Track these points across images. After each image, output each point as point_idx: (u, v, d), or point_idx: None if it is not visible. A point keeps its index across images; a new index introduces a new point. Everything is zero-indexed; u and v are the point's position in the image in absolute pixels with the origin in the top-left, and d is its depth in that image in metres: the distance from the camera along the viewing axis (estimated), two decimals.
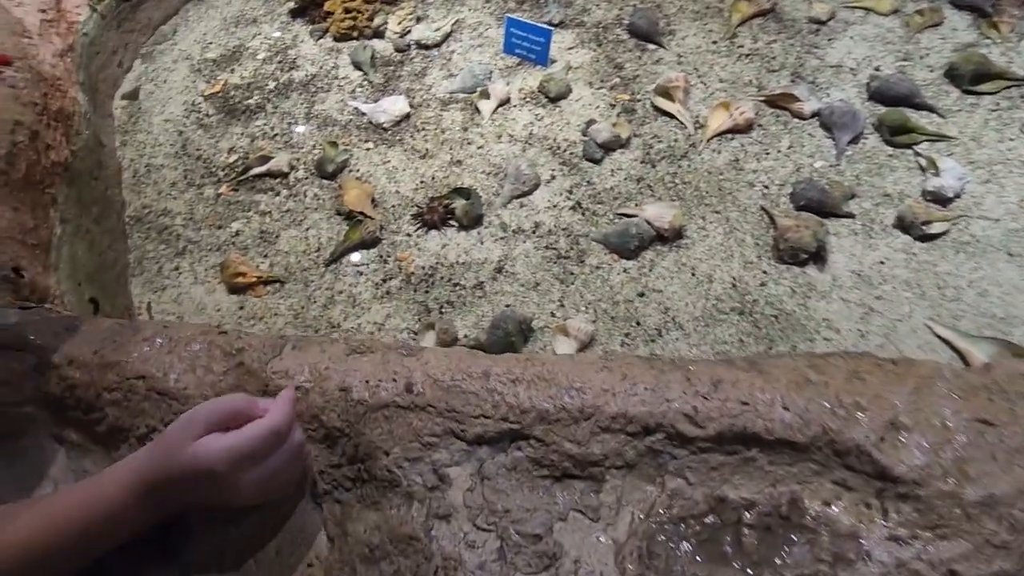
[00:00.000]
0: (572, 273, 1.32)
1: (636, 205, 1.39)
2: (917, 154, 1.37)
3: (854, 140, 1.41)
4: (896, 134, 1.39)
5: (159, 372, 0.76)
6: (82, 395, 0.76)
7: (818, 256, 1.26)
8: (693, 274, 1.29)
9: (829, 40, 1.62)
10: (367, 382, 0.72)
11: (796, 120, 1.48)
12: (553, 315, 1.28)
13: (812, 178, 1.37)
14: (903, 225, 1.28)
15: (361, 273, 1.38)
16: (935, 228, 1.26)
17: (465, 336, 1.27)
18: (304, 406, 0.73)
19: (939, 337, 1.15)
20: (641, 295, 1.28)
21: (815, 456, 0.64)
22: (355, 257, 1.40)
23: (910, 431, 0.63)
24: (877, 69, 1.51)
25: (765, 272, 1.28)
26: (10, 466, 0.79)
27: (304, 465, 0.69)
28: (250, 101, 1.72)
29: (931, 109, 1.43)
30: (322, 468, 0.72)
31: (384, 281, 1.36)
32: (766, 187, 1.39)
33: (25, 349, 0.80)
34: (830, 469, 0.63)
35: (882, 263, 1.26)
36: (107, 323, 0.86)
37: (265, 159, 1.57)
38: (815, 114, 1.46)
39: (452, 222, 1.42)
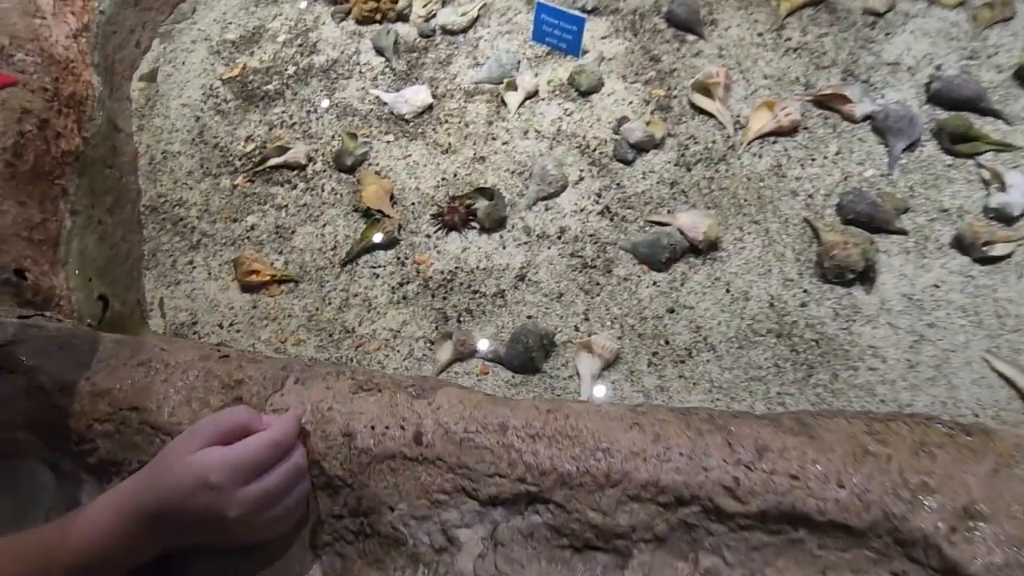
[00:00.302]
0: (598, 284, 1.24)
1: (669, 212, 1.29)
2: (980, 165, 1.25)
3: (910, 147, 1.29)
4: (957, 142, 1.27)
5: (153, 404, 0.70)
6: (73, 425, 0.71)
7: (866, 276, 1.16)
8: (728, 290, 1.20)
9: (886, 34, 1.48)
10: (373, 428, 0.66)
11: (846, 123, 1.36)
12: (577, 329, 1.20)
13: (862, 189, 1.25)
14: (961, 245, 1.16)
15: (378, 275, 1.31)
16: (997, 250, 1.14)
17: (483, 347, 1.20)
18: (305, 447, 0.67)
19: (997, 372, 1.04)
20: (671, 311, 1.19)
21: (873, 544, 0.55)
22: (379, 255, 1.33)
23: (987, 521, 0.54)
24: (938, 68, 1.37)
25: (806, 291, 1.18)
26: (2, 493, 0.75)
27: (305, 494, 0.64)
28: (269, 87, 1.64)
29: (998, 115, 1.30)
30: (323, 517, 0.66)
31: (401, 285, 1.29)
32: (810, 197, 1.28)
33: (16, 371, 0.75)
34: (890, 559, 0.55)
35: (936, 286, 1.15)
36: (104, 340, 0.80)
37: (283, 150, 1.50)
38: (867, 117, 1.34)
39: (474, 224, 1.34)
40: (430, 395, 0.67)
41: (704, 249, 1.23)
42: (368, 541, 0.63)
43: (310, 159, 1.51)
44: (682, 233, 1.25)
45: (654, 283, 1.22)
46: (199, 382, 0.71)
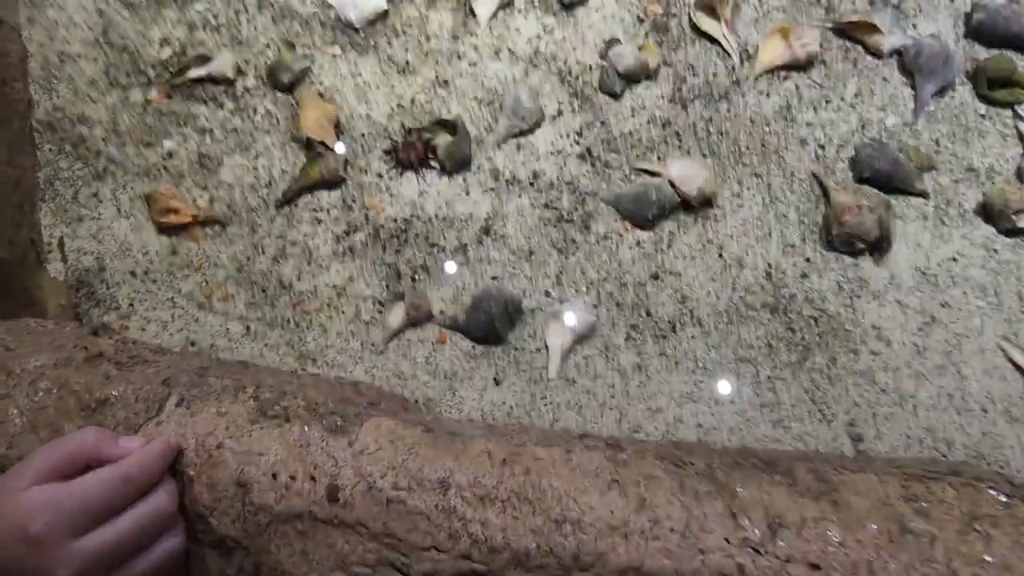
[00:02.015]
0: (574, 242, 1.07)
1: (659, 160, 1.11)
2: (1019, 117, 1.08)
3: (940, 92, 1.10)
4: (996, 87, 1.09)
5: None
6: None
7: (878, 246, 1.01)
8: (720, 255, 1.04)
9: None
10: (275, 477, 0.50)
11: (870, 58, 1.16)
12: (548, 294, 1.04)
13: (882, 140, 1.08)
14: (988, 212, 1.01)
15: (320, 221, 1.12)
16: None
17: (441, 313, 1.04)
18: (188, 499, 0.51)
19: (1012, 363, 0.93)
20: (655, 277, 1.04)
21: None
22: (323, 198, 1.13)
23: None
24: None
25: (808, 260, 1.03)
26: None
27: (174, 551, 0.49)
28: None
29: None
30: None
31: (347, 233, 1.10)
32: (821, 147, 1.10)
33: None
34: None
35: (954, 260, 1.01)
36: None
37: (205, 59, 1.24)
38: (895, 52, 1.14)
39: (433, 163, 1.13)
40: (353, 429, 0.52)
41: (697, 206, 1.06)
42: None
43: (239, 72, 1.25)
44: (673, 186, 1.07)
45: (638, 243, 1.06)
46: (50, 400, 0.54)
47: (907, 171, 1.03)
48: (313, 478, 0.48)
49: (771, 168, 1.09)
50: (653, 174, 1.08)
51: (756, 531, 0.45)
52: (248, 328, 1.04)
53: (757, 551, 0.44)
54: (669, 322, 1.00)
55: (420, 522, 0.46)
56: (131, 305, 1.07)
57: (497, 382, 0.98)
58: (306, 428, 0.51)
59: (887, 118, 1.11)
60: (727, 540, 0.44)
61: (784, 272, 1.02)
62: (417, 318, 1.01)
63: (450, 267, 1.05)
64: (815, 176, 1.06)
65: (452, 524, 0.46)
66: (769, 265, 1.02)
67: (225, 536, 0.49)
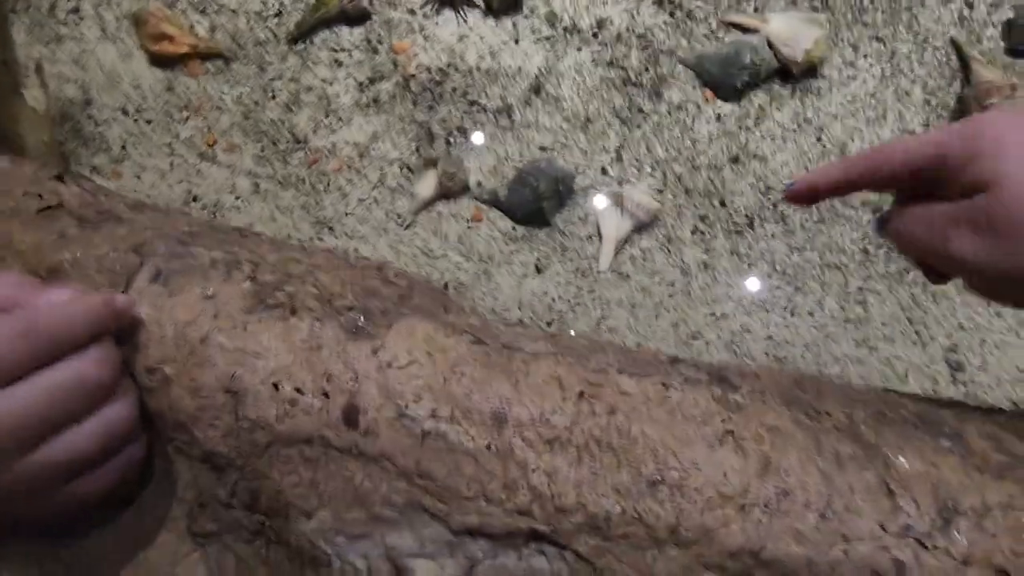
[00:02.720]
0: (641, 111, 0.88)
1: (757, 12, 0.88)
2: None
3: None
4: None
5: None
6: None
7: None
8: (819, 139, 0.86)
9: None
10: (276, 387, 0.38)
11: None
12: (605, 172, 0.87)
13: None
14: None
15: (340, 63, 0.93)
16: None
17: (478, 185, 0.89)
18: (164, 403, 0.39)
19: None
20: (735, 160, 0.86)
21: None
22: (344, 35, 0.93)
23: None
24: None
25: None
26: None
27: (137, 461, 0.38)
28: None
29: None
30: (204, 499, 0.42)
31: (371, 82, 0.92)
32: (969, 6, 0.87)
33: None
34: None
35: None
36: None
37: None
38: None
39: (477, 1, 0.92)
40: (378, 332, 0.39)
41: (798, 75, 0.86)
42: (274, 548, 0.40)
43: None
44: (772, 47, 0.86)
45: (718, 117, 0.87)
46: None
47: None
48: (326, 393, 0.36)
49: (898, 30, 0.86)
50: (748, 30, 0.87)
51: (923, 518, 0.33)
52: (257, 186, 0.90)
53: (923, 544, 0.32)
54: (747, 216, 0.84)
55: (465, 464, 0.34)
56: (124, 148, 0.92)
57: (539, 270, 0.84)
58: (317, 324, 0.38)
59: None
60: (882, 526, 0.33)
61: None
62: (451, 189, 0.86)
63: (492, 131, 0.88)
64: (955, 44, 0.85)
65: (508, 471, 0.34)
66: None
67: (213, 452, 0.38)
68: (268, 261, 0.44)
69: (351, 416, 0.36)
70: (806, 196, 0.41)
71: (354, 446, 0.35)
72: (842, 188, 0.39)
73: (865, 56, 0.86)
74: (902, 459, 0.34)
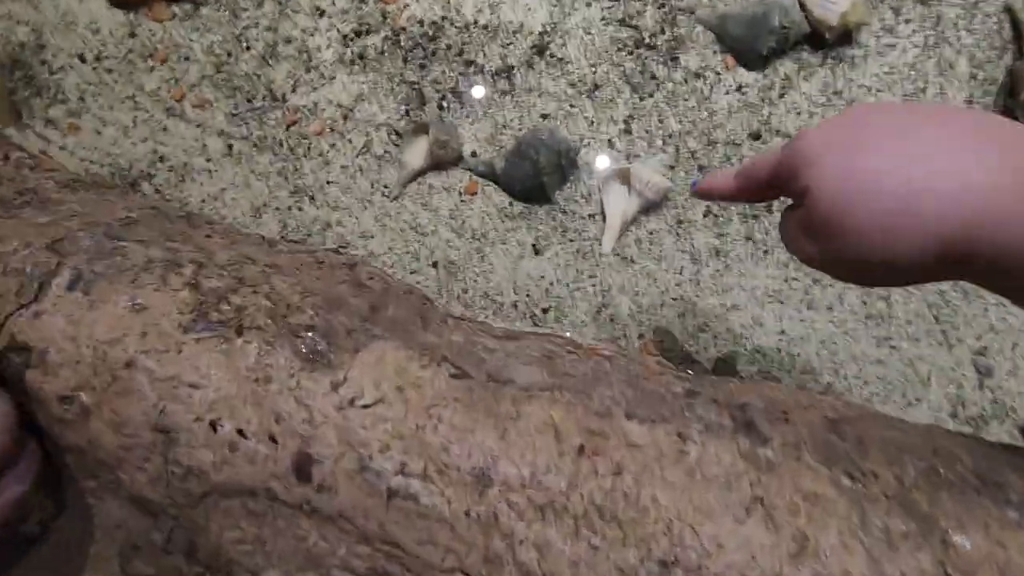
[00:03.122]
0: (654, 77, 0.79)
1: None
2: None
3: None
4: None
5: None
6: None
7: None
8: None
9: None
10: (214, 427, 0.31)
11: None
12: (612, 145, 0.79)
13: None
14: None
15: (322, 12, 0.83)
16: None
17: (473, 155, 0.80)
18: (81, 435, 0.33)
19: None
20: (756, 137, 0.78)
21: None
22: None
23: None
24: None
25: None
26: None
27: (17, 500, 0.32)
28: None
29: None
30: (136, 540, 0.36)
31: (357, 35, 0.82)
32: None
33: None
34: None
35: None
36: None
37: None
38: None
39: None
40: (341, 360, 0.32)
41: (832, 40, 0.77)
42: None
43: None
44: (804, 8, 0.77)
45: (739, 88, 0.78)
46: None
47: None
48: (274, 438, 0.30)
49: None
50: None
51: None
52: (230, 147, 0.81)
53: None
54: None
55: (440, 531, 0.28)
56: (82, 99, 0.83)
57: (537, 250, 0.77)
58: (268, 349, 0.32)
59: None
60: None
61: None
62: (443, 159, 0.78)
63: (489, 95, 0.79)
64: (1009, 10, 0.75)
65: (491, 542, 0.28)
66: None
67: (142, 498, 0.32)
68: (217, 260, 0.37)
69: (303, 467, 0.29)
70: (707, 197, 0.48)
71: (306, 502, 0.29)
72: (729, 197, 0.45)
73: (907, 21, 0.77)
74: (963, 538, 0.29)
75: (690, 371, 0.69)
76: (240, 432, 0.30)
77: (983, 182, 0.29)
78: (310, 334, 0.33)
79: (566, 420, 0.31)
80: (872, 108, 0.35)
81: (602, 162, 0.77)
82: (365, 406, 0.30)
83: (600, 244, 0.76)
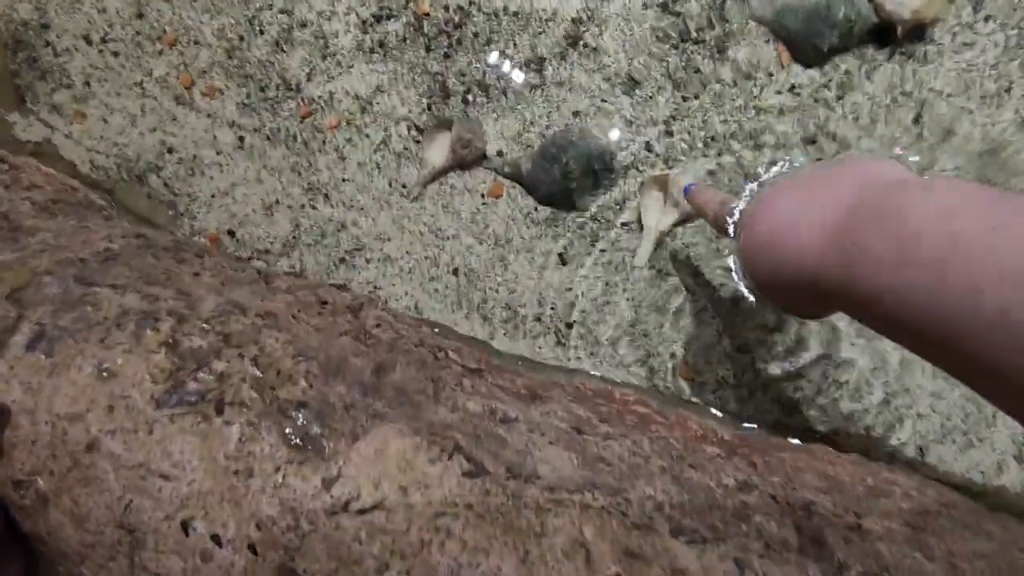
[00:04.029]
0: (699, 72, 0.72)
1: None
2: None
3: None
4: None
5: None
6: None
7: None
8: (917, 119, 0.69)
9: None
10: (185, 528, 0.26)
11: None
12: (650, 148, 0.72)
13: None
14: None
15: None
16: None
17: (499, 154, 0.74)
18: (39, 524, 0.28)
19: None
20: (811, 142, 0.70)
21: None
22: None
23: None
24: None
25: None
26: None
27: None
28: None
29: None
30: None
31: (377, 20, 0.76)
32: None
33: None
34: None
35: None
36: None
37: None
38: None
39: None
40: (336, 449, 0.27)
41: (902, 36, 0.68)
42: None
43: None
44: (873, 1, 0.68)
45: (793, 88, 0.70)
46: None
47: None
48: (253, 548, 0.25)
49: None
50: None
51: None
52: (241, 140, 0.76)
53: None
54: None
55: None
56: (88, 84, 0.78)
57: (564, 260, 0.71)
58: (252, 433, 0.27)
59: None
60: None
61: None
62: (465, 158, 0.72)
63: (518, 87, 0.72)
64: None
65: None
66: (992, 142, 0.68)
67: None
68: (201, 311, 0.32)
69: None
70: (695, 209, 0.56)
71: None
72: (709, 221, 0.52)
73: (988, 18, 0.67)
74: None
75: (727, 412, 0.63)
76: (215, 539, 0.25)
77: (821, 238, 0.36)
78: (301, 413, 0.28)
79: (600, 538, 0.25)
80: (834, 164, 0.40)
81: (639, 167, 0.71)
82: (361, 511, 0.25)
83: (633, 256, 0.70)
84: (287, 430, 0.27)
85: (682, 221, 0.69)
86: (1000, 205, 0.28)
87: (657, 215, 0.69)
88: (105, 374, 0.28)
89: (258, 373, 0.29)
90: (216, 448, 0.27)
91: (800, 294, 0.38)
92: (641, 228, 0.70)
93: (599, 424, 0.33)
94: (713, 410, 0.66)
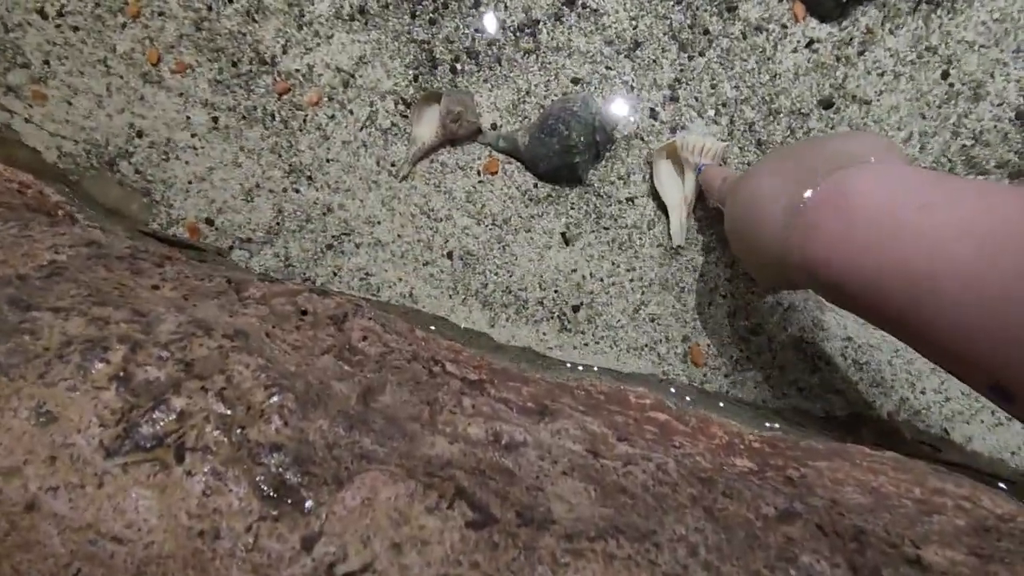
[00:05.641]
0: (707, 32, 0.66)
1: None
2: None
3: None
4: None
5: None
6: None
7: None
8: (945, 74, 0.64)
9: None
10: None
11: None
12: (654, 115, 0.67)
13: None
14: None
15: None
16: None
17: (493, 127, 0.69)
18: None
19: None
20: (827, 105, 0.65)
21: None
22: None
23: None
24: None
25: None
26: None
27: None
28: None
29: None
30: None
31: None
32: None
33: None
34: None
35: None
36: None
37: None
38: None
39: None
40: (318, 500, 0.24)
41: None
42: None
43: None
44: None
45: (809, 43, 0.65)
46: None
47: None
48: None
49: None
50: None
51: None
52: (216, 120, 0.71)
53: None
54: None
55: None
56: (47, 63, 0.72)
57: (567, 239, 0.67)
58: (218, 485, 0.23)
59: None
60: None
61: None
62: (457, 133, 0.66)
63: (510, 55, 0.67)
64: None
65: None
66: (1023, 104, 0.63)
67: None
68: (158, 335, 0.28)
69: None
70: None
71: None
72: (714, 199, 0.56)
73: None
74: None
75: (743, 401, 0.59)
76: None
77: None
78: (275, 458, 0.24)
79: None
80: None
81: (645, 136, 0.65)
82: (348, 575, 0.22)
83: (671, 239, 0.65)
84: (259, 479, 0.23)
85: (699, 197, 0.64)
86: (932, 188, 0.31)
87: (678, 187, 0.64)
88: (44, 419, 0.24)
89: (225, 410, 0.25)
90: (177, 504, 0.23)
91: (770, 267, 0.41)
92: (660, 206, 0.65)
93: (617, 444, 0.29)
94: (727, 404, 0.63)
